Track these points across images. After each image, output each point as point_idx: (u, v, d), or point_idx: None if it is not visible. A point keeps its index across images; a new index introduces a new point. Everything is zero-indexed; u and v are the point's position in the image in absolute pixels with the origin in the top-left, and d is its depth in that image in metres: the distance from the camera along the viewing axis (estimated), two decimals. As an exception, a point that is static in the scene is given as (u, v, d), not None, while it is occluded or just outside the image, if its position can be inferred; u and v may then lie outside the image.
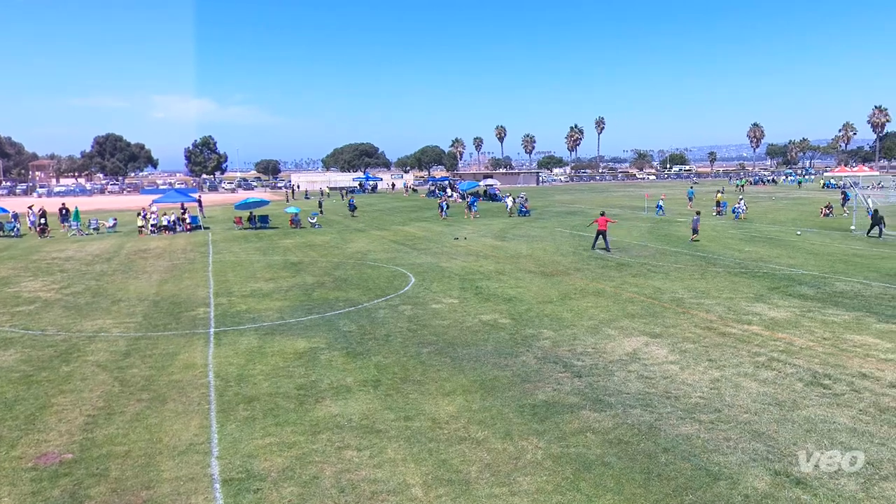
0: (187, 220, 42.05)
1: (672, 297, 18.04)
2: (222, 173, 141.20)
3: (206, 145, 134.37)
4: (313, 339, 14.41)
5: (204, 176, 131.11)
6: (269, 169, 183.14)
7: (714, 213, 45.53)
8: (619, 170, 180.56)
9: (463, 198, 69.73)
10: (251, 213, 42.86)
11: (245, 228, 41.31)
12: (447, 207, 47.41)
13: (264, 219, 43.05)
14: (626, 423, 9.44)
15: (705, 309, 16.59)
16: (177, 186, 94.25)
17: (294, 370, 12.26)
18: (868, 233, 31.80)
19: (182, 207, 43.56)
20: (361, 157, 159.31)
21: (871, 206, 36.73)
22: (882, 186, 60.60)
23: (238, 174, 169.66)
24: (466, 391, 10.96)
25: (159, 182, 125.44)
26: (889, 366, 11.73)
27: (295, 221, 42.25)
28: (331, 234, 37.37)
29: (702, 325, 15.01)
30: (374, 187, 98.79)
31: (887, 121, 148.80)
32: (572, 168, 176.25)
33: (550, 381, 11.37)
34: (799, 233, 33.45)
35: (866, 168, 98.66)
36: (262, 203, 45.76)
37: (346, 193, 77.24)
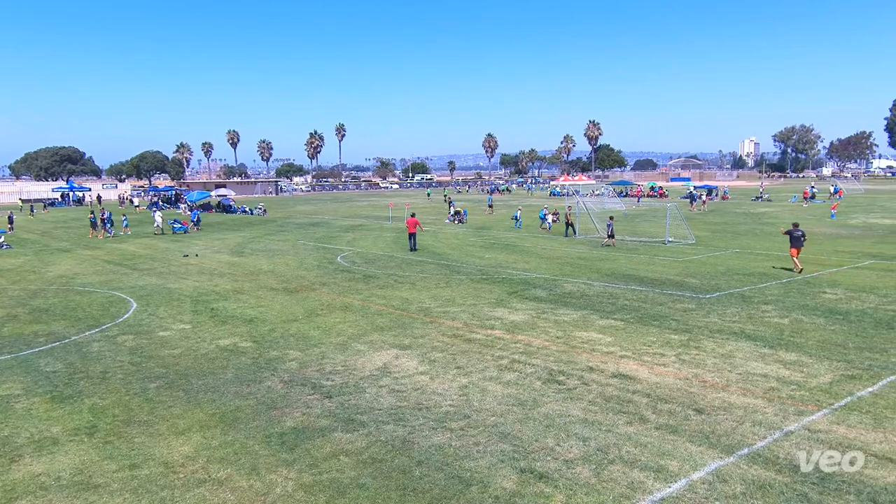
0: None
1: (419, 307, 18.97)
2: None
3: None
4: (5, 385, 12.54)
5: None
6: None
7: (456, 223, 49.30)
8: (363, 178, 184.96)
9: (191, 209, 66.06)
10: None
11: None
12: (112, 224, 44.50)
13: (-72, 240, 36.59)
14: (379, 441, 9.68)
15: (451, 317, 17.72)
16: None
17: (-22, 426, 10.53)
18: (567, 234, 39.04)
19: None
20: (63, 163, 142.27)
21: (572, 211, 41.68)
22: (598, 194, 70.23)
23: None
24: (204, 427, 10.37)
25: None
26: (611, 358, 13.62)
27: (-27, 242, 36.45)
28: (25, 256, 32.92)
29: (449, 333, 16.00)
30: (81, 199, 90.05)
31: (600, 134, 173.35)
32: (314, 177, 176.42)
33: (299, 405, 11.25)
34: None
35: (585, 177, 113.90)
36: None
37: (46, 206, 68.71)
